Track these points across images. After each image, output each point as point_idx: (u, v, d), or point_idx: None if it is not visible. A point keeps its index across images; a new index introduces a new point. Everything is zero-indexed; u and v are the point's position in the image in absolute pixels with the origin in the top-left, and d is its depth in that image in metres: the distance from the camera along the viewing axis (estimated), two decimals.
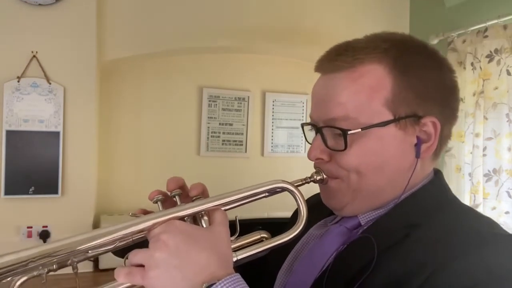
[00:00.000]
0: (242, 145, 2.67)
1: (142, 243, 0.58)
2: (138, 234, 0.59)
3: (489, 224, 0.63)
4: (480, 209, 1.89)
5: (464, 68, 2.05)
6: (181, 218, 0.60)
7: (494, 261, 0.54)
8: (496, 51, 1.89)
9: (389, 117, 0.64)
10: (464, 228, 0.60)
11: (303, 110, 2.82)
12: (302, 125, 0.75)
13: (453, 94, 0.69)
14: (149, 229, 0.58)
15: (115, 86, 2.37)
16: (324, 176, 0.68)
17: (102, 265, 1.99)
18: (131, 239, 0.59)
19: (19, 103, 1.91)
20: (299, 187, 0.68)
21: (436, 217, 0.63)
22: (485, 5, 2.04)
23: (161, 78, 2.48)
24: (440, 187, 0.70)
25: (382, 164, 0.65)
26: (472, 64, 2.01)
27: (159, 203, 0.64)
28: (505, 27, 1.86)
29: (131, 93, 2.42)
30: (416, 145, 0.65)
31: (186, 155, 2.55)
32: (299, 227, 0.66)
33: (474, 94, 2.01)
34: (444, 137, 0.68)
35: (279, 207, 1.58)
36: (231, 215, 0.63)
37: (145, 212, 0.64)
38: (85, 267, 1.96)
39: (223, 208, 0.63)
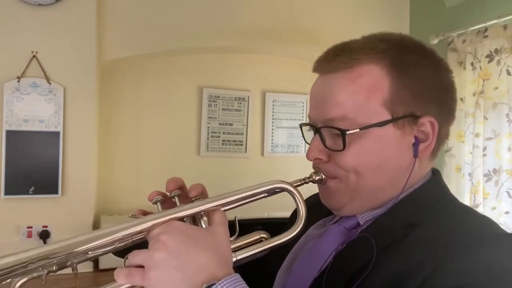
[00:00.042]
0: (242, 145, 2.67)
1: (142, 244, 0.58)
2: (138, 235, 0.59)
3: (488, 224, 0.63)
4: (480, 209, 1.89)
5: (464, 68, 2.05)
6: (181, 219, 0.60)
7: (493, 260, 0.54)
8: (496, 51, 1.89)
9: (387, 117, 0.64)
10: (463, 228, 0.60)
11: (303, 110, 2.82)
12: (301, 126, 0.75)
13: (450, 94, 0.69)
14: (149, 230, 0.58)
15: (115, 86, 2.37)
16: (323, 176, 0.69)
17: (102, 265, 1.98)
18: (130, 240, 0.59)
19: (19, 103, 1.91)
20: (298, 187, 0.68)
21: (435, 217, 0.63)
22: (485, 5, 2.04)
23: (161, 78, 2.47)
24: (439, 187, 0.70)
25: (381, 164, 0.65)
26: (472, 64, 2.00)
27: (158, 204, 0.65)
28: (505, 27, 1.86)
29: (131, 93, 2.42)
30: (414, 144, 0.65)
31: (186, 155, 2.55)
32: (298, 227, 0.66)
33: (474, 94, 2.01)
34: (442, 137, 0.69)
35: (279, 207, 1.58)
36: (231, 216, 0.63)
37: (145, 213, 0.64)
38: (85, 267, 1.96)
39: (222, 209, 0.63)
